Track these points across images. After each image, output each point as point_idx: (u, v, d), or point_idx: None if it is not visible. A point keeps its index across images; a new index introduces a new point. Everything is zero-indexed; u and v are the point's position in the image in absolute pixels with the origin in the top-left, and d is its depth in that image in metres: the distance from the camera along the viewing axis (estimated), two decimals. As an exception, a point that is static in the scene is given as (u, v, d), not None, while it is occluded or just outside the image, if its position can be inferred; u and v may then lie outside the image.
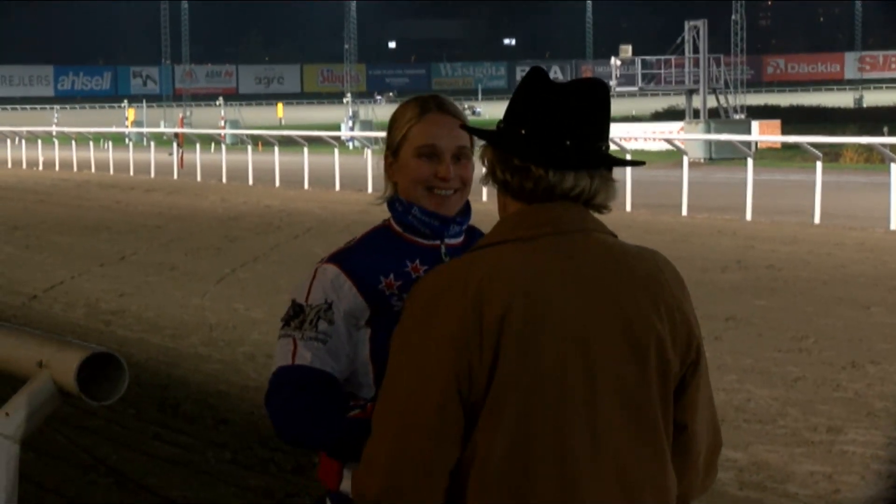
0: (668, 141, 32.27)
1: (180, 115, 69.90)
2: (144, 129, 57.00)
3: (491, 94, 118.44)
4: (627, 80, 57.10)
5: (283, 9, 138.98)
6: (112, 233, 21.00)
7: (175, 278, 15.44)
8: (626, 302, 2.62)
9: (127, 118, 72.56)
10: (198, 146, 38.06)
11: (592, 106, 2.66)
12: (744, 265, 15.65)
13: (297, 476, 7.26)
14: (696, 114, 50.04)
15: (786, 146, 40.56)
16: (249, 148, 35.74)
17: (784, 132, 45.39)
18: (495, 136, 2.70)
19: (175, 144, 42.19)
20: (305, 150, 32.71)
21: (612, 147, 23.39)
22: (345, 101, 75.15)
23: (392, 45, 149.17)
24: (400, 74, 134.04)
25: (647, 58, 56.96)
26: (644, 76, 56.29)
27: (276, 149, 33.25)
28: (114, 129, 53.18)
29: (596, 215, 2.70)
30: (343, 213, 23.84)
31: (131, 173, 38.19)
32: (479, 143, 2.83)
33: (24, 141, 50.33)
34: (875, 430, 8.06)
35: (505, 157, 2.67)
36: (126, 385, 2.67)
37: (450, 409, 2.54)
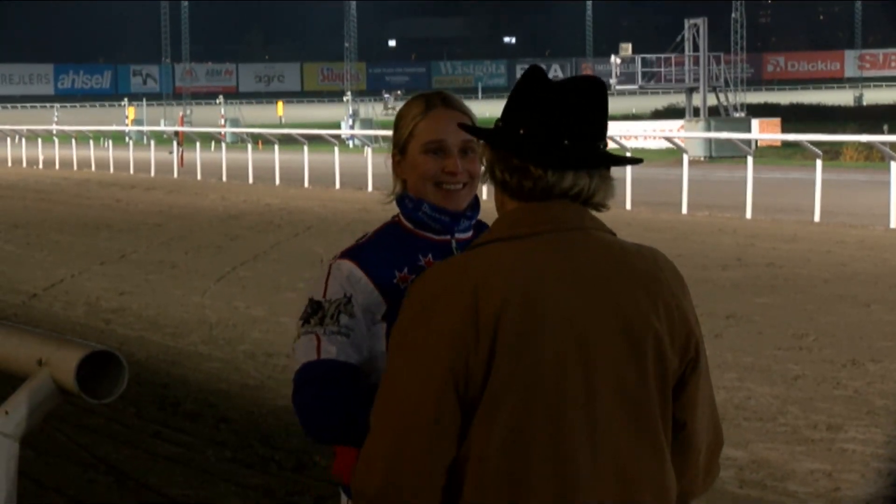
0: (669, 139, 32.27)
1: (180, 114, 69.90)
2: (144, 128, 56.98)
3: (491, 92, 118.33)
4: (627, 78, 57.12)
5: (284, 7, 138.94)
6: (112, 231, 21.00)
7: (175, 277, 15.44)
8: (624, 300, 2.62)
9: (127, 117, 72.57)
10: (198, 145, 38.07)
11: (590, 104, 2.66)
12: (744, 263, 15.65)
13: (297, 475, 7.26)
14: (696, 112, 50.06)
15: (786, 144, 40.60)
16: (249, 146, 35.77)
17: (784, 130, 45.38)
18: (493, 136, 2.70)
19: (175, 143, 42.19)
20: (305, 148, 32.72)
21: (613, 146, 23.26)
22: (345, 99, 75.15)
23: (392, 43, 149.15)
24: (400, 73, 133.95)
25: (648, 56, 56.98)
26: (644, 74, 56.30)
27: (277, 147, 33.28)
28: (114, 128, 53.22)
29: (595, 214, 2.70)
30: (343, 211, 23.85)
31: (131, 172, 38.19)
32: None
33: (24, 139, 50.33)
34: (875, 427, 8.06)
35: (503, 156, 2.67)
36: (125, 383, 2.67)
37: (447, 407, 2.54)
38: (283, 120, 79.62)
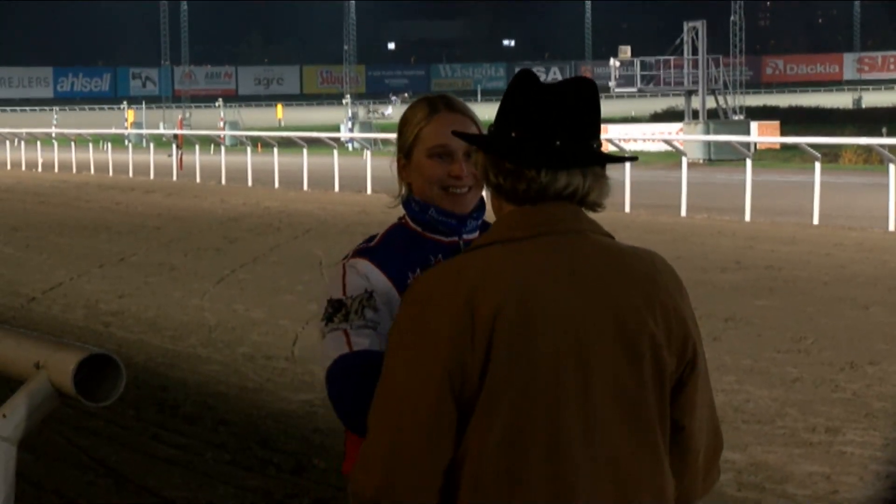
0: (667, 142, 32.27)
1: (179, 117, 69.87)
2: (144, 131, 56.98)
3: (490, 94, 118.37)
4: (626, 80, 57.14)
5: (283, 10, 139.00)
6: (111, 234, 21.00)
7: (174, 279, 15.44)
8: (620, 302, 2.62)
9: (126, 119, 72.51)
10: (197, 147, 38.07)
11: (581, 104, 2.67)
12: (743, 265, 15.65)
13: (296, 477, 7.26)
14: (695, 115, 50.07)
15: (785, 147, 40.57)
16: (249, 149, 35.75)
17: (783, 133, 45.41)
18: (486, 141, 2.72)
19: (174, 146, 42.19)
20: (305, 151, 32.72)
21: (612, 149, 23.24)
22: (344, 102, 75.16)
23: (391, 46, 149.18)
24: (399, 75, 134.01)
25: (647, 59, 56.97)
26: (643, 77, 56.31)
27: (276, 150, 33.27)
28: (113, 131, 53.19)
29: (591, 214, 2.70)
30: (342, 214, 23.85)
31: (131, 174, 38.19)
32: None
33: (23, 142, 50.34)
34: (874, 430, 8.06)
35: (497, 160, 2.68)
36: (123, 386, 2.67)
37: (444, 408, 2.55)
38: (283, 123, 79.64)
